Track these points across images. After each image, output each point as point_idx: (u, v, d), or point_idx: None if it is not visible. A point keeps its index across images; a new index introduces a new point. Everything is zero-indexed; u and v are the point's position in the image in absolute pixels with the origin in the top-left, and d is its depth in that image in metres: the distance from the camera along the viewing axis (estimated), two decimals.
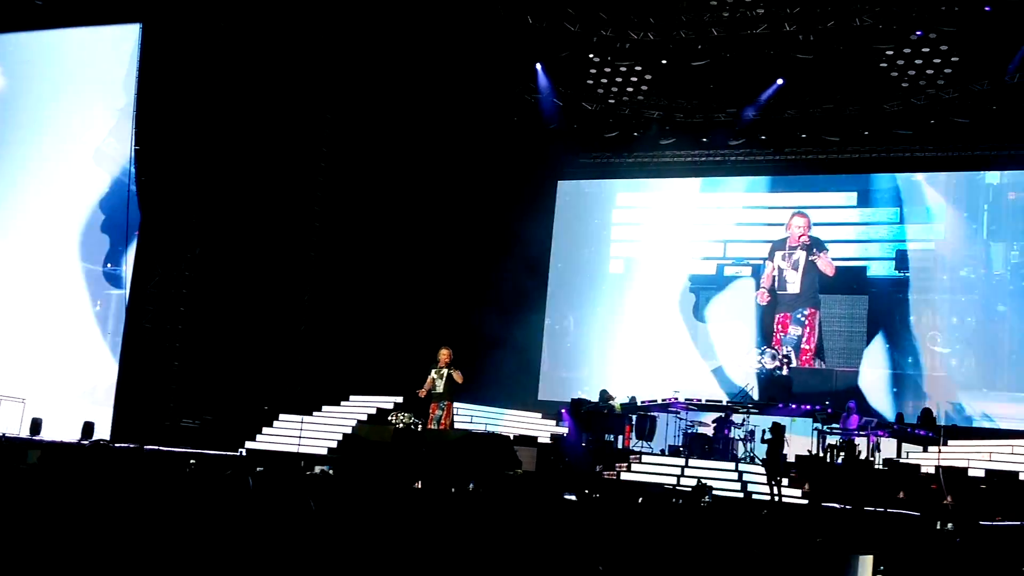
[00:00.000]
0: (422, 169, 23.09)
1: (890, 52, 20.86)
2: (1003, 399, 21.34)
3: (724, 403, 21.31)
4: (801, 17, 20.37)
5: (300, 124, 21.04)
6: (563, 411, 21.82)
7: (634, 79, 23.22)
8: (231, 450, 17.97)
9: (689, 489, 15.10)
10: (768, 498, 16.71)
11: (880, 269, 23.17)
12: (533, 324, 25.30)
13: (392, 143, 22.47)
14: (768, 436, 17.78)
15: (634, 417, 21.05)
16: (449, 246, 23.70)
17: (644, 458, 18.92)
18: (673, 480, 17.55)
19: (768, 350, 23.43)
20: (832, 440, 19.09)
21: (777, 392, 22.35)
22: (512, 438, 18.66)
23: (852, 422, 19.35)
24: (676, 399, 21.09)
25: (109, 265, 20.33)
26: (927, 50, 20.66)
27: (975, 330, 22.07)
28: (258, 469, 13.39)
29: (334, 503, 10.00)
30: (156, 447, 16.62)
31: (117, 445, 15.98)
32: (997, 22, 19.36)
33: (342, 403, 20.23)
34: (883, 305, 22.89)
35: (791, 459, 18.89)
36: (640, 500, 14.51)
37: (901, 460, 18.65)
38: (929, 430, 19.19)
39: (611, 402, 21.40)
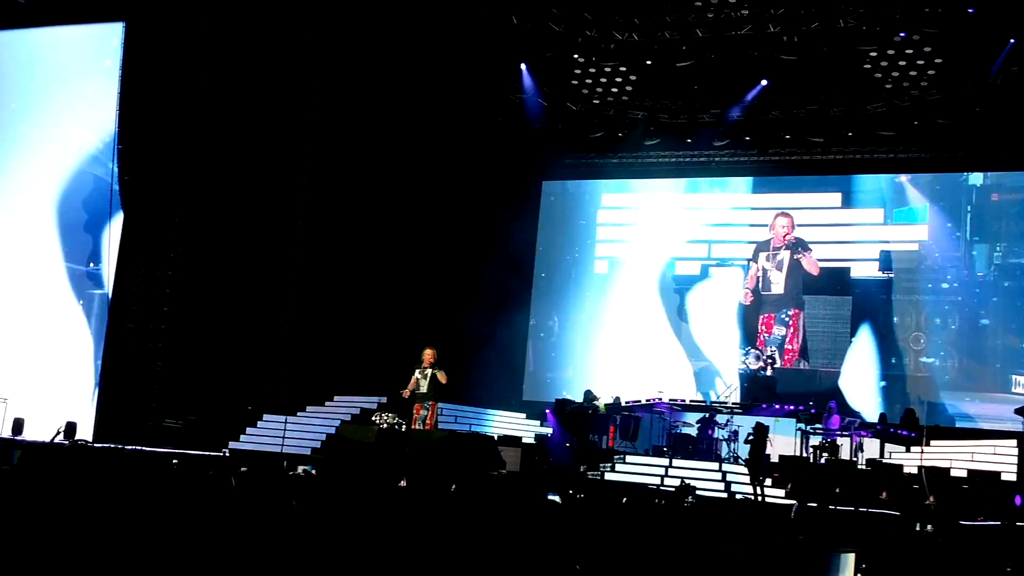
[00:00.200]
0: (407, 169, 23.06)
1: (874, 53, 20.92)
2: (986, 400, 21.43)
3: (708, 403, 21.35)
4: (785, 18, 20.41)
5: (284, 123, 20.99)
6: (547, 411, 21.84)
7: (619, 80, 23.23)
8: (215, 450, 17.92)
9: (672, 489, 15.13)
10: (752, 498, 16.74)
11: (864, 270, 23.23)
12: (518, 324, 25.31)
13: (377, 143, 22.43)
14: (751, 436, 17.81)
15: (618, 417, 21.07)
16: (434, 246, 23.68)
17: (628, 458, 18.94)
18: (657, 480, 17.57)
19: (752, 351, 23.47)
20: (815, 440, 19.15)
21: (761, 392, 22.39)
22: (496, 438, 18.66)
23: (834, 422, 19.42)
24: (660, 399, 21.12)
25: (92, 264, 20.25)
26: (911, 52, 20.72)
27: (958, 331, 22.15)
28: (242, 469, 13.36)
29: (316, 503, 9.97)
30: (139, 447, 16.55)
31: (97, 445, 15.92)
32: (980, 24, 19.43)
33: (326, 403, 20.21)
34: (867, 306, 22.96)
35: (775, 459, 18.94)
36: (624, 500, 14.52)
37: (884, 460, 18.70)
38: (912, 430, 19.25)
39: (595, 402, 21.43)
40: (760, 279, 24.11)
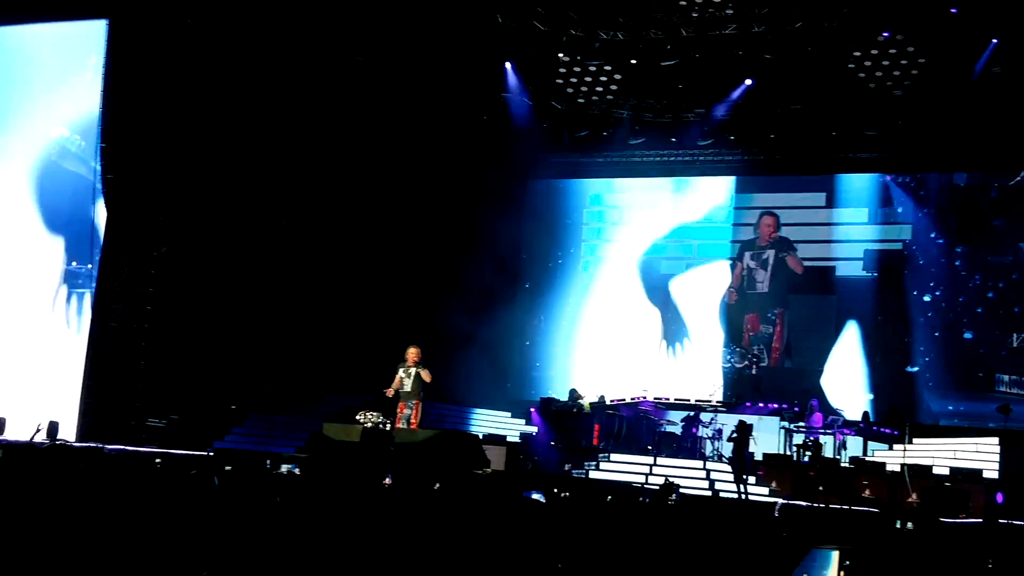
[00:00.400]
0: (392, 168, 23.02)
1: (858, 53, 20.97)
2: (968, 398, 21.51)
3: (692, 402, 21.40)
4: (770, 18, 20.45)
5: (269, 121, 20.92)
6: (532, 410, 21.87)
7: (603, 79, 23.24)
8: (199, 449, 17.87)
9: (656, 488, 15.15)
10: (735, 496, 16.78)
11: (848, 269, 23.30)
12: (503, 323, 25.28)
13: (362, 142, 22.39)
14: (734, 435, 17.88)
15: (603, 416, 21.09)
16: (419, 245, 23.64)
17: (613, 457, 18.97)
18: (641, 479, 17.60)
19: (737, 349, 23.53)
20: (798, 438, 19.23)
21: (746, 391, 22.45)
22: (481, 437, 18.67)
23: (816, 420, 19.49)
24: (645, 398, 21.16)
25: (75, 263, 20.17)
26: (894, 51, 20.78)
27: (942, 330, 22.22)
28: (226, 468, 13.33)
29: (301, 502, 9.96)
30: (122, 447, 16.51)
31: (77, 445, 15.87)
32: (963, 23, 19.50)
33: (313, 403, 20.20)
34: (851, 305, 23.03)
35: (759, 457, 19.00)
36: (608, 499, 14.54)
37: (867, 458, 18.77)
38: (895, 428, 19.34)
39: (580, 401, 21.46)
40: (745, 278, 24.17)
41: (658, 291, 24.93)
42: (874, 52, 20.87)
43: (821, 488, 16.90)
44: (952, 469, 17.16)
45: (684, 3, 20.49)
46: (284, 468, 13.24)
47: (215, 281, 20.29)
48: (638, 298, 25.01)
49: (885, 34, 20.34)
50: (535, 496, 12.37)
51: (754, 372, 23.07)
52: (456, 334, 23.00)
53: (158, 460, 14.15)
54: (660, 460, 18.59)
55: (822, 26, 20.31)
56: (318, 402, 20.64)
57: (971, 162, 22.26)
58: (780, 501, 15.85)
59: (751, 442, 18.81)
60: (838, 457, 18.79)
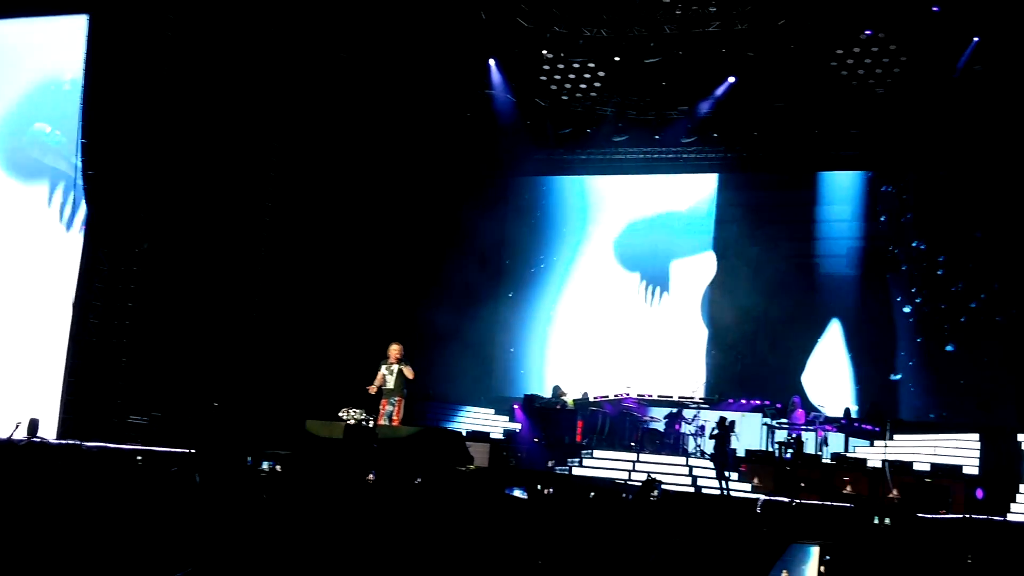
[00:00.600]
0: (375, 165, 22.99)
1: (840, 51, 21.04)
2: (949, 394, 21.60)
3: (675, 399, 21.45)
4: (753, 16, 20.49)
5: (251, 117, 20.86)
6: (516, 407, 21.89)
7: (587, 76, 23.26)
8: (182, 447, 17.79)
9: (639, 484, 15.19)
10: (718, 492, 16.84)
11: (831, 266, 23.37)
12: (486, 320, 25.31)
13: (345, 139, 22.35)
14: (716, 431, 17.95)
15: (586, 413, 21.14)
16: (402, 242, 23.62)
17: (596, 453, 19.00)
18: (624, 475, 17.64)
19: (721, 345, 23.61)
20: (780, 435, 19.31)
21: (728, 387, 22.51)
22: (465, 434, 18.67)
23: (798, 416, 19.57)
24: (628, 395, 21.21)
25: (56, 260, 20.07)
26: (876, 49, 20.85)
27: (924, 327, 22.29)
28: (208, 465, 13.30)
29: (283, 498, 9.96)
30: (103, 444, 16.44)
31: (55, 442, 15.79)
32: (945, 21, 19.59)
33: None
34: (834, 302, 23.09)
35: (741, 453, 19.08)
36: (591, 495, 14.57)
37: (848, 454, 18.86)
38: (876, 425, 19.43)
39: (563, 398, 21.49)
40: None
41: (641, 287, 24.93)
42: (856, 50, 20.93)
43: (803, 484, 16.99)
44: (933, 465, 17.26)
45: (667, 0, 20.53)
46: (265, 465, 13.21)
47: (197, 278, 20.21)
48: (621, 295, 25.01)
49: (867, 32, 20.41)
50: (517, 493, 12.40)
51: (737, 369, 23.11)
52: (439, 331, 23.01)
53: (139, 457, 14.11)
54: (643, 457, 18.63)
55: (805, 24, 20.36)
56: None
57: (954, 160, 22.32)
58: (762, 497, 15.91)
59: (733, 438, 18.90)
60: (820, 453, 18.87)
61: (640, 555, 8.49)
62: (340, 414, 16.34)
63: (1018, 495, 16.45)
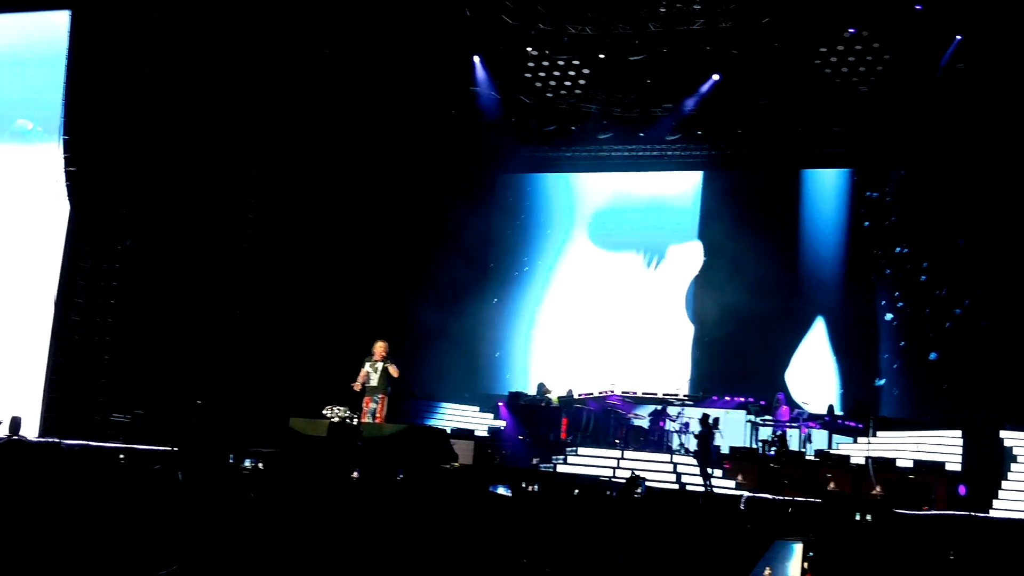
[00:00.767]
0: (360, 161, 22.94)
1: (824, 49, 21.08)
2: (931, 391, 21.68)
3: (660, 396, 21.47)
4: (737, 14, 20.53)
5: (235, 114, 20.79)
6: (501, 404, 21.88)
7: (572, 73, 23.25)
8: (165, 445, 17.74)
9: (623, 481, 15.20)
10: (701, 489, 16.86)
11: (817, 265, 23.41)
12: (471, 317, 25.29)
13: (329, 136, 22.30)
14: (699, 429, 18.00)
15: (571, 410, 21.14)
16: (388, 239, 23.59)
17: (580, 451, 19.00)
18: (609, 472, 17.64)
19: (706, 343, 23.65)
20: (765, 432, 19.36)
21: (713, 384, 22.55)
22: (449, 432, 18.65)
23: (782, 413, 19.61)
24: (612, 392, 21.22)
25: (38, 257, 19.97)
26: (860, 47, 20.90)
27: (906, 324, 22.37)
28: (190, 463, 13.26)
29: (267, 495, 9.93)
30: (85, 442, 16.38)
31: (34, 440, 15.72)
32: (928, 19, 19.66)
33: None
34: (818, 299, 23.15)
35: (725, 450, 19.12)
36: (576, 492, 14.58)
37: (832, 451, 18.91)
38: (859, 422, 19.48)
39: (548, 395, 21.48)
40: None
41: (626, 285, 24.91)
42: (840, 48, 20.99)
43: (787, 481, 17.03)
44: (915, 462, 17.32)
45: None
46: (248, 463, 13.18)
47: (180, 275, 20.14)
48: (606, 292, 25.00)
49: (851, 30, 20.46)
50: (501, 490, 12.38)
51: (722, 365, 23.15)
52: (424, 328, 22.99)
53: (122, 455, 14.06)
54: (627, 454, 18.63)
55: (789, 22, 20.41)
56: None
57: (935, 158, 22.40)
58: (746, 494, 15.95)
59: (717, 435, 18.95)
60: (803, 450, 18.92)
61: (620, 552, 8.50)
62: (324, 412, 16.31)
63: (1000, 491, 16.53)
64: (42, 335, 19.49)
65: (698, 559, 8.96)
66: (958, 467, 17.61)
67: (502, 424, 21.54)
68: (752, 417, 20.02)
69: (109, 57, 19.30)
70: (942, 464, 17.26)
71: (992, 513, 15.68)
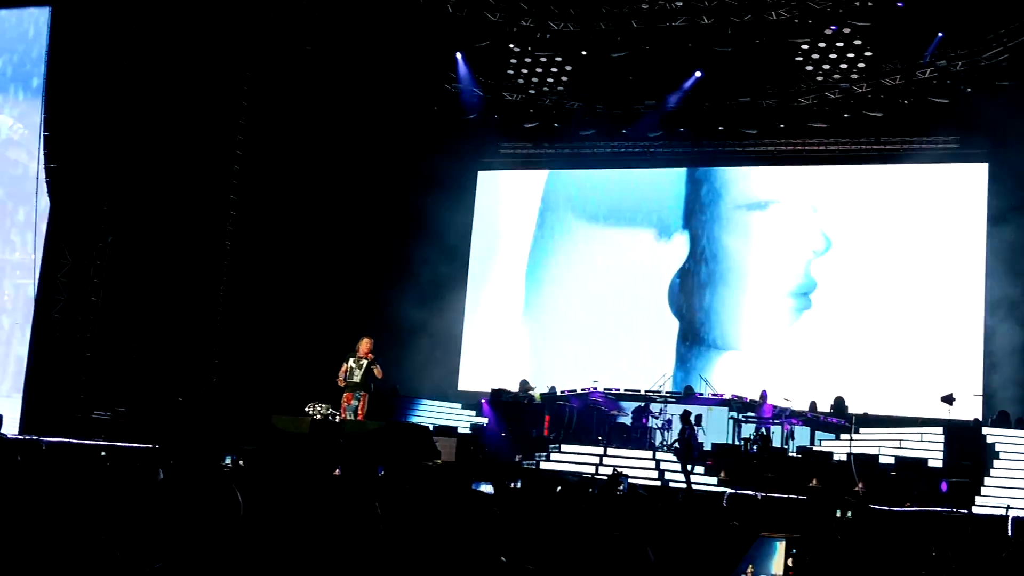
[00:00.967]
0: (342, 158, 22.89)
1: (805, 46, 21.14)
2: (913, 388, 21.74)
3: (643, 392, 21.46)
4: (718, 11, 20.56)
5: (215, 111, 20.70)
6: (483, 401, 21.84)
7: (554, 70, 23.25)
8: (146, 442, 17.64)
9: (605, 478, 15.19)
10: (684, 486, 16.87)
11: (801, 260, 23.46)
12: (453, 314, 25.27)
13: (311, 132, 22.23)
14: (683, 429, 18.02)
15: (554, 407, 21.11)
16: (369, 235, 23.54)
17: (563, 447, 18.99)
18: (592, 469, 17.63)
19: (690, 339, 23.67)
20: (748, 428, 19.37)
21: (696, 381, 22.57)
22: (431, 428, 18.61)
23: (766, 410, 19.62)
24: (595, 389, 21.21)
25: (18, 254, 19.84)
26: (841, 44, 20.97)
27: (890, 320, 22.43)
28: (170, 461, 13.18)
29: (250, 493, 9.86)
30: (66, 439, 16.27)
31: (11, 437, 15.57)
32: (909, 17, 19.72)
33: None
34: (804, 296, 23.20)
35: (708, 447, 19.13)
36: (558, 489, 14.55)
37: (814, 448, 18.94)
38: (841, 418, 19.52)
39: (531, 392, 21.46)
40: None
41: (609, 281, 24.88)
42: (821, 45, 21.06)
43: (770, 475, 17.05)
44: (897, 458, 17.36)
45: None
46: (228, 460, 13.12)
47: (161, 271, 20.05)
48: (589, 288, 24.98)
49: (832, 27, 20.51)
50: (483, 488, 12.37)
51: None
52: (406, 325, 22.94)
53: (103, 453, 13.97)
54: (610, 451, 18.63)
55: (770, 19, 20.44)
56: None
57: (916, 155, 22.49)
58: (728, 491, 15.97)
59: (700, 432, 18.95)
60: (786, 447, 18.95)
61: (609, 549, 8.47)
62: (307, 409, 16.26)
63: (983, 488, 16.58)
64: (22, 331, 19.38)
65: (681, 556, 8.95)
66: (940, 463, 17.66)
67: (484, 421, 21.50)
68: (734, 414, 20.04)
69: (89, 53, 19.17)
70: (924, 461, 17.31)
71: (975, 510, 15.72)
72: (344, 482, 13.03)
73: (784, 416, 19.49)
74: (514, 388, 22.13)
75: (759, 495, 15.71)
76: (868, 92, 21.77)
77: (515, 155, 25.85)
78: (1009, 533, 13.51)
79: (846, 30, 20.56)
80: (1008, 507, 14.49)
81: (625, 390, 21.71)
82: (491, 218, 26.23)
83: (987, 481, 16.80)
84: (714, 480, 17.69)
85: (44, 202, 19.33)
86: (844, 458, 17.34)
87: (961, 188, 22.35)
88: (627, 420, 20.71)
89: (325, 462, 14.18)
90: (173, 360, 19.84)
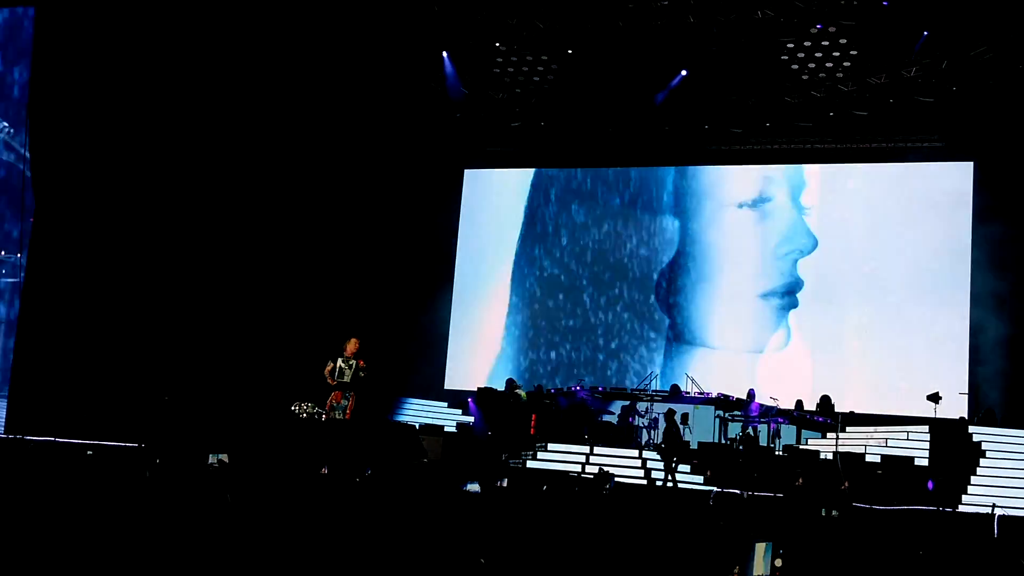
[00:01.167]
0: (326, 157, 22.81)
1: (791, 45, 21.18)
2: (898, 385, 21.80)
3: (629, 391, 21.47)
4: (704, 10, 20.58)
5: (200, 111, 20.61)
6: (470, 400, 21.82)
7: (540, 68, 23.23)
8: (132, 442, 17.58)
9: (592, 477, 15.20)
10: (670, 484, 16.87)
11: (789, 259, 23.51)
12: (439, 313, 25.24)
13: (296, 131, 22.15)
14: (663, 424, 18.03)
15: (540, 406, 21.09)
16: (355, 234, 23.47)
17: (549, 446, 18.97)
18: (578, 468, 17.62)
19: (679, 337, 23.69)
20: (735, 427, 19.38)
21: (683, 379, 22.58)
22: (418, 427, 18.59)
23: (753, 409, 19.64)
24: (581, 387, 21.20)
25: (3, 252, 19.78)
26: (827, 43, 21.01)
27: (876, 318, 22.48)
28: (156, 460, 13.16)
29: (234, 491, 9.85)
30: (52, 438, 16.22)
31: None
32: (894, 16, 19.77)
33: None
34: (791, 296, 23.24)
35: (694, 446, 19.13)
36: (544, 488, 14.56)
37: (800, 447, 18.96)
38: (827, 417, 19.55)
39: (517, 391, 21.44)
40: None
41: (596, 280, 24.90)
42: (807, 44, 21.10)
43: (756, 475, 17.06)
44: (883, 457, 17.39)
45: None
46: (214, 459, 13.08)
47: (148, 270, 19.97)
48: (576, 286, 24.98)
49: (818, 26, 20.55)
50: (471, 487, 12.35)
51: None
52: (391, 324, 22.89)
53: (89, 452, 13.93)
54: (596, 449, 18.62)
55: (755, 18, 20.48)
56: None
57: (902, 153, 22.57)
58: (715, 489, 15.98)
59: (686, 430, 18.95)
60: (772, 446, 18.96)
61: (594, 546, 8.48)
62: (292, 407, 16.21)
63: (969, 486, 16.62)
64: (8, 330, 19.31)
65: (668, 556, 8.95)
66: (926, 462, 17.69)
67: (471, 420, 21.48)
68: (721, 412, 20.05)
69: (73, 53, 19.09)
70: (911, 459, 17.34)
71: (961, 508, 15.76)
72: (331, 481, 13.02)
73: (771, 415, 19.50)
74: (500, 387, 22.12)
75: (745, 494, 15.72)
76: (854, 91, 21.82)
77: (501, 154, 25.83)
78: (995, 532, 13.55)
79: (831, 29, 20.60)
80: (994, 506, 14.52)
81: (611, 388, 21.73)
82: (477, 216, 26.19)
83: (973, 480, 16.84)
84: (700, 479, 17.70)
85: (31, 201, 19.27)
86: (830, 457, 17.35)
87: (947, 187, 22.37)
88: (613, 419, 20.70)
89: (313, 460, 14.17)
90: (158, 359, 19.76)
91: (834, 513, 13.58)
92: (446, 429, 19.91)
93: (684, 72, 22.29)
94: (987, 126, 21.36)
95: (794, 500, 14.92)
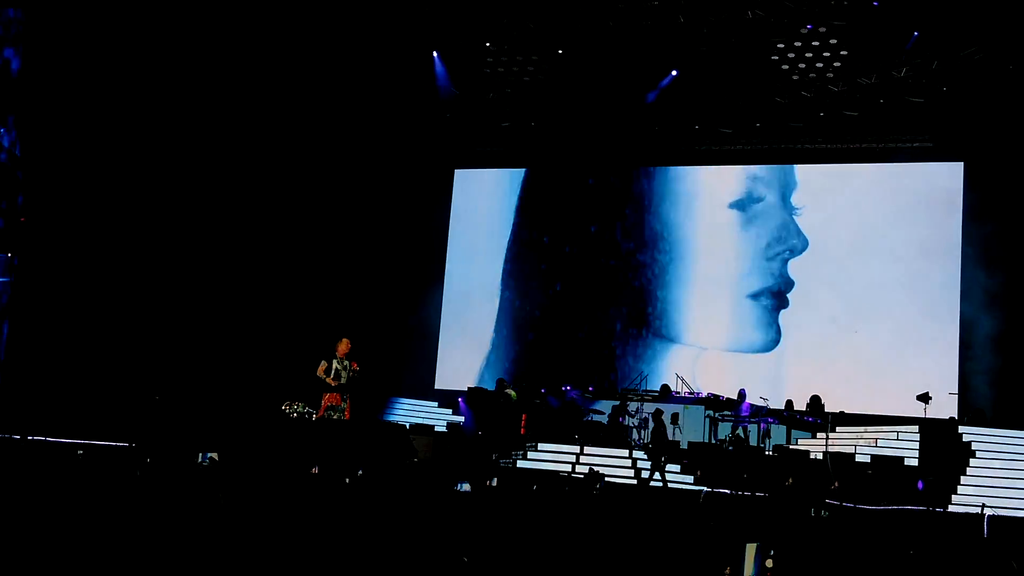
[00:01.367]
0: (317, 157, 22.80)
1: (781, 45, 21.21)
2: (889, 386, 21.83)
3: (619, 391, 21.49)
4: (694, 10, 20.60)
5: (188, 109, 20.58)
6: (460, 400, 21.83)
7: (531, 68, 23.23)
8: (123, 440, 17.54)
9: (582, 477, 15.22)
10: (659, 484, 16.88)
11: (781, 260, 23.53)
12: (430, 312, 25.23)
13: (287, 130, 22.14)
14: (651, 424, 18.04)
15: (530, 406, 21.10)
16: (346, 234, 23.46)
17: (539, 446, 18.97)
18: (568, 468, 17.63)
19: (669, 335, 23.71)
20: (725, 427, 19.40)
21: (674, 380, 22.61)
22: (408, 427, 18.59)
23: (744, 409, 19.67)
24: (571, 387, 21.20)
25: None
26: (817, 44, 21.05)
27: (864, 319, 22.52)
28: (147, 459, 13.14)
29: (225, 491, 9.84)
30: (44, 437, 16.16)
31: None
32: (884, 17, 19.81)
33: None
34: (782, 296, 23.28)
35: (684, 446, 19.15)
36: (534, 487, 14.58)
37: (790, 447, 18.98)
38: (818, 417, 19.57)
39: (507, 391, 21.45)
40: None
41: (586, 280, 24.90)
42: (797, 44, 21.13)
43: (745, 475, 17.08)
44: (873, 457, 17.41)
45: None
46: (206, 457, 13.06)
47: (139, 268, 19.94)
48: (566, 286, 24.99)
49: (808, 27, 20.59)
50: (463, 487, 12.36)
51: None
52: (381, 324, 22.87)
53: (80, 451, 13.89)
54: (586, 449, 18.63)
55: (746, 18, 20.51)
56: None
57: (892, 154, 22.61)
58: (704, 489, 15.99)
59: (676, 430, 18.97)
60: (762, 446, 18.98)
61: (584, 545, 8.49)
62: (283, 407, 16.19)
63: (959, 486, 16.66)
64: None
65: (658, 556, 8.96)
66: (915, 462, 17.72)
67: (461, 419, 21.49)
68: (711, 412, 20.07)
69: (61, 50, 19.04)
70: (901, 459, 17.37)
71: (951, 508, 15.79)
72: (322, 480, 13.01)
73: (761, 415, 19.52)
74: (491, 387, 22.14)
75: (735, 494, 15.73)
76: (844, 91, 21.87)
77: (491, 153, 25.82)
78: (985, 532, 13.59)
79: (822, 29, 20.65)
80: (984, 506, 14.55)
81: (602, 388, 21.74)
82: (468, 217, 26.17)
83: (963, 480, 16.87)
84: (690, 479, 17.72)
85: (19, 198, 19.21)
86: (820, 457, 17.37)
87: (937, 186, 22.42)
88: (603, 419, 20.71)
89: (303, 460, 14.16)
90: (149, 358, 19.73)
91: (824, 513, 13.60)
92: (436, 429, 19.92)
93: (674, 72, 22.31)
94: (977, 126, 21.41)
95: (784, 500, 14.94)
